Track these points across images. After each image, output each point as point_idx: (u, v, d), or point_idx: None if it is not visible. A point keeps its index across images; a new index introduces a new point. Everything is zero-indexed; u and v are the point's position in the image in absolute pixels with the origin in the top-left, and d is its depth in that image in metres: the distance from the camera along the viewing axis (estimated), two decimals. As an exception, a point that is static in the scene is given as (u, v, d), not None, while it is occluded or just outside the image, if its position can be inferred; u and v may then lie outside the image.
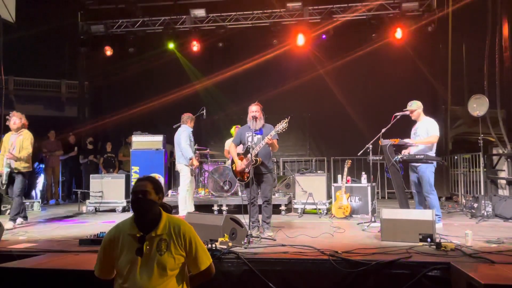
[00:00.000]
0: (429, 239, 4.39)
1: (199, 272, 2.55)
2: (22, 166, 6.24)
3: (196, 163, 6.85)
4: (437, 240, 4.34)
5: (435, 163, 5.55)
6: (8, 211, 7.58)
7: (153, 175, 8.53)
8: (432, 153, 5.62)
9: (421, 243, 4.39)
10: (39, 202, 8.93)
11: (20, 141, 6.26)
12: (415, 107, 5.78)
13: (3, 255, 4.19)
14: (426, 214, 4.60)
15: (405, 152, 5.74)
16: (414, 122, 5.95)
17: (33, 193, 10.36)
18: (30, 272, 3.32)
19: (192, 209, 6.69)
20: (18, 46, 13.55)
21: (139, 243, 2.39)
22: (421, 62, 10.38)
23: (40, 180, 10.80)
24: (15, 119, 6.35)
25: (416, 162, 5.57)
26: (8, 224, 6.04)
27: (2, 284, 3.34)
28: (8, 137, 6.37)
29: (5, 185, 6.23)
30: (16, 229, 6.03)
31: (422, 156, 5.40)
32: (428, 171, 5.51)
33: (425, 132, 5.66)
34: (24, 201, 8.43)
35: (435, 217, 4.60)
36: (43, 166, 10.53)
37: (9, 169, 6.17)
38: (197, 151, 7.13)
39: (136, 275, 2.36)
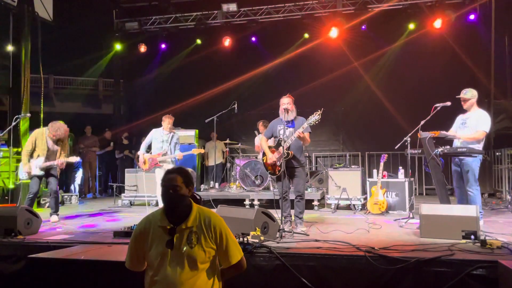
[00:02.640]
0: (472, 236, 4.14)
1: (230, 265, 2.48)
2: (58, 170, 6.30)
3: (139, 160, 7.00)
4: (482, 238, 4.08)
5: (480, 156, 5.20)
6: (47, 204, 7.82)
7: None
8: (479, 146, 5.25)
9: (464, 241, 4.13)
10: (77, 195, 9.20)
11: (59, 150, 6.22)
12: (470, 95, 5.36)
13: (40, 246, 4.29)
14: (470, 210, 4.34)
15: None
16: (459, 112, 5.59)
17: (72, 187, 10.69)
18: (64, 262, 3.36)
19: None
20: (58, 46, 14.00)
21: (169, 235, 2.35)
22: (462, 53, 9.89)
23: (79, 175, 11.14)
24: (60, 133, 6.11)
25: (458, 155, 5.25)
26: (53, 217, 6.18)
27: (38, 273, 3.40)
28: (42, 136, 6.13)
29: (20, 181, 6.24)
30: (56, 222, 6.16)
31: (465, 149, 5.08)
32: (474, 165, 5.14)
33: (476, 125, 5.28)
34: (63, 195, 8.77)
35: (478, 212, 4.33)
36: (81, 161, 10.83)
37: (43, 173, 6.11)
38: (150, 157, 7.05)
39: (167, 268, 2.32)
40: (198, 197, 2.55)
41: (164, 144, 7.07)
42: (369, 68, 10.52)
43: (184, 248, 2.33)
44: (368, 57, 10.42)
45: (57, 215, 6.30)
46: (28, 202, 6.03)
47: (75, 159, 6.32)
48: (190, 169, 8.44)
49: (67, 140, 6.42)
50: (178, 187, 2.39)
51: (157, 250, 2.34)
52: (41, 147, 6.11)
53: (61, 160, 6.14)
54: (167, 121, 7.11)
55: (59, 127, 6.12)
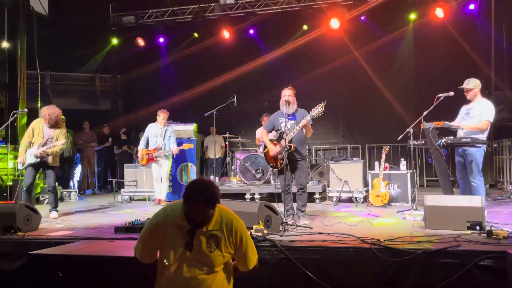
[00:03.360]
0: (478, 227, 4.10)
1: (246, 270, 2.42)
2: (55, 160, 6.19)
3: (138, 155, 7.39)
4: (488, 228, 4.04)
5: (484, 147, 5.15)
6: (46, 201, 7.75)
7: (186, 164, 8.61)
8: (483, 137, 5.19)
9: (469, 231, 4.10)
10: (76, 191, 9.12)
11: (56, 136, 6.09)
12: (472, 85, 5.29)
13: (41, 242, 4.23)
14: (475, 200, 4.29)
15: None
16: (462, 102, 5.53)
17: (71, 183, 10.60)
18: (65, 258, 3.30)
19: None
20: (53, 41, 13.86)
21: (189, 237, 2.24)
22: (463, 43, 9.77)
23: (78, 171, 11.06)
24: (55, 114, 6.03)
25: (462, 146, 5.19)
26: (52, 214, 6.11)
27: (39, 269, 3.34)
28: (39, 126, 6.08)
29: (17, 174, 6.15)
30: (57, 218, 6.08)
31: (469, 139, 5.01)
32: (478, 155, 5.09)
33: (479, 114, 5.23)
34: (62, 191, 8.70)
35: (483, 202, 4.28)
36: (79, 156, 10.74)
37: (38, 160, 5.99)
38: (149, 150, 7.38)
39: (183, 269, 2.24)
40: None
41: (159, 138, 7.31)
42: (370, 59, 10.42)
43: (203, 252, 2.25)
44: (369, 48, 10.32)
45: (57, 211, 6.23)
46: (24, 197, 5.97)
47: (62, 142, 6.11)
48: (190, 163, 8.53)
49: (63, 127, 6.29)
50: (206, 217, 2.24)
51: (174, 250, 2.25)
52: (37, 136, 6.07)
53: (47, 150, 5.97)
54: (161, 115, 7.35)
55: (44, 108, 6.11)
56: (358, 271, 3.58)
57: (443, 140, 5.16)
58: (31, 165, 6.03)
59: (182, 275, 2.24)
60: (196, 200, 2.20)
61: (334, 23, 10.23)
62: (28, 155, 6.02)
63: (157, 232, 2.31)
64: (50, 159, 6.07)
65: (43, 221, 5.34)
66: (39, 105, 8.99)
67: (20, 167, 6.08)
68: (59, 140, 6.09)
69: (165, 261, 2.29)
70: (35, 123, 6.17)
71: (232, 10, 11.01)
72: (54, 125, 6.14)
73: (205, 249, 2.25)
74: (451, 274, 3.34)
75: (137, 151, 10.75)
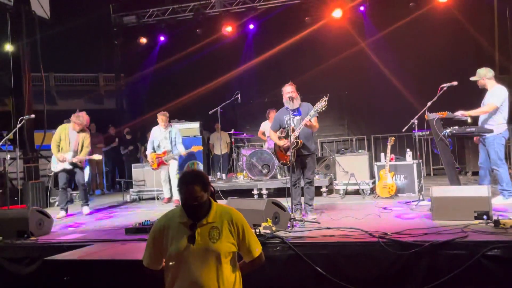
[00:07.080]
0: (485, 217, 4.12)
1: (252, 260, 2.48)
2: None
3: (148, 160, 7.54)
4: (495, 217, 4.06)
5: (506, 133, 5.13)
6: (56, 203, 7.85)
7: (192, 162, 8.67)
8: (495, 125, 5.14)
9: (476, 221, 4.12)
10: (85, 193, 9.21)
11: (82, 140, 6.53)
12: (477, 77, 5.33)
13: (54, 246, 4.31)
14: (481, 190, 4.31)
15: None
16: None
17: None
18: (79, 263, 3.38)
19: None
20: (56, 43, 13.93)
21: (190, 231, 2.32)
22: (467, 28, 9.64)
23: (86, 172, 11.13)
24: (83, 120, 6.50)
25: (467, 135, 5.20)
26: (85, 209, 6.65)
27: (54, 274, 3.42)
28: (66, 131, 6.49)
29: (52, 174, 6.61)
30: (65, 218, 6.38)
31: (474, 129, 5.03)
32: (496, 143, 5.10)
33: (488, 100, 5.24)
34: (71, 192, 8.82)
35: (490, 191, 4.29)
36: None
37: (71, 167, 6.46)
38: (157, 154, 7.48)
39: (190, 264, 2.29)
40: (212, 189, 2.50)
41: (163, 141, 7.44)
42: (371, 49, 10.35)
43: (207, 244, 2.31)
44: (370, 39, 10.26)
45: (87, 205, 6.77)
46: (62, 195, 6.53)
47: (98, 157, 6.84)
48: (197, 162, 8.58)
49: (89, 132, 6.73)
50: (199, 197, 2.33)
51: (178, 247, 2.30)
52: (64, 141, 6.48)
53: (80, 157, 6.48)
54: (160, 118, 7.48)
55: (80, 115, 6.51)
56: (366, 265, 3.62)
57: (447, 131, 5.17)
58: (65, 169, 6.46)
59: (189, 270, 2.29)
60: (186, 183, 2.34)
61: (337, 13, 10.16)
62: (66, 156, 6.41)
63: (161, 236, 2.38)
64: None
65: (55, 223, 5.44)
66: (44, 107, 9.09)
67: (57, 168, 6.47)
68: (94, 156, 6.82)
69: (170, 262, 2.34)
70: (61, 128, 6.56)
71: (232, 6, 10.99)
72: (82, 130, 6.59)
73: (208, 240, 2.32)
74: (459, 265, 3.36)
75: (144, 149, 10.89)
